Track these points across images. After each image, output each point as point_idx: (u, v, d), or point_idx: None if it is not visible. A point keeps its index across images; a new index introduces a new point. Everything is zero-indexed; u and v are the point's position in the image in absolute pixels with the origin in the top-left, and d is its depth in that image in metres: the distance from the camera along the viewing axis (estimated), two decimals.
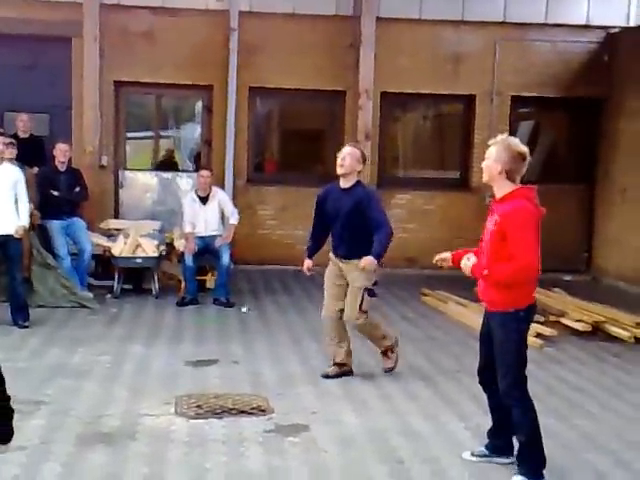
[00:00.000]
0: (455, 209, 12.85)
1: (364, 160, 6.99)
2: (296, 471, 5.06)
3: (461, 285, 11.00)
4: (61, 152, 9.98)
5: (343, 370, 7.09)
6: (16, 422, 5.54)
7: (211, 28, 12.36)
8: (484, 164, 4.85)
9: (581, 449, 5.67)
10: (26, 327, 8.32)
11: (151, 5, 12.30)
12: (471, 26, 12.84)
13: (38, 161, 10.48)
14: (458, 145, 13.46)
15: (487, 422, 6.15)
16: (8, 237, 8.29)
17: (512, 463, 5.08)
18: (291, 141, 13.58)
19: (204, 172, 10.21)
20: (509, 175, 4.72)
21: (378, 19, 12.51)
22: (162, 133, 13.86)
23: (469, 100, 13.11)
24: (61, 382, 6.64)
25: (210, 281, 10.33)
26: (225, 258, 9.78)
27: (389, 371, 7.22)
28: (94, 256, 10.22)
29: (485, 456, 5.25)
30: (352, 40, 12.54)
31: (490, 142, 4.84)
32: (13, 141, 9.44)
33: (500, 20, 12.83)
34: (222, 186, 11.94)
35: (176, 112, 14.46)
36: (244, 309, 9.60)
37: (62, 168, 10.03)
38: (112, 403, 6.17)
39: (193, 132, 13.77)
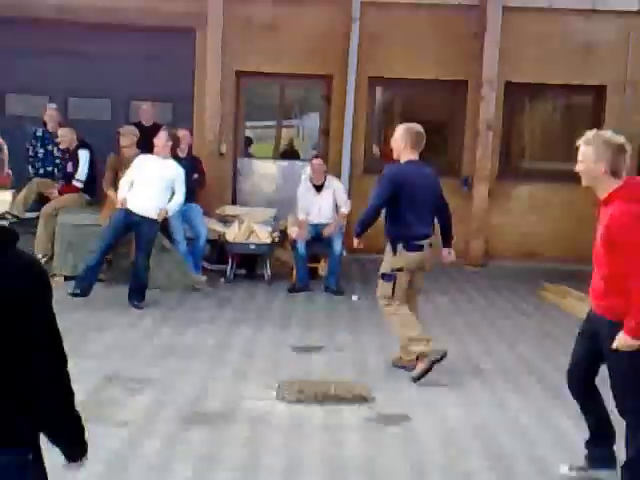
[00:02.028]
0: (580, 201, 12.35)
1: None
2: (394, 463, 4.98)
3: (583, 279, 10.66)
4: (181, 138, 10.15)
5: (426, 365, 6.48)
6: (122, 398, 5.80)
7: (333, 18, 12.31)
8: (580, 168, 4.47)
9: None
10: (140, 308, 8.53)
11: None
12: (603, 15, 12.32)
13: None
14: None
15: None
16: (144, 219, 8.56)
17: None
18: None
19: (316, 160, 10.23)
20: (614, 173, 4.35)
21: (504, 8, 12.17)
22: (285, 122, 13.95)
23: (599, 91, 12.60)
24: (169, 362, 6.77)
25: (322, 269, 10.32)
26: (337, 246, 9.75)
27: (413, 380, 6.49)
28: (209, 241, 10.36)
29: (583, 469, 4.83)
30: (476, 29, 12.26)
31: (581, 141, 4.45)
32: (126, 131, 9.89)
33: (635, 9, 12.25)
34: (338, 175, 11.95)
35: (299, 102, 14.54)
36: (354, 297, 9.53)
37: (182, 154, 10.20)
38: (216, 384, 6.25)
39: (316, 122, 13.78)
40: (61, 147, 10.26)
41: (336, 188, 10.13)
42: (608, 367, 4.54)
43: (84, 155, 10.10)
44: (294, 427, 5.45)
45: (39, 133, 10.54)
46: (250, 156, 13.42)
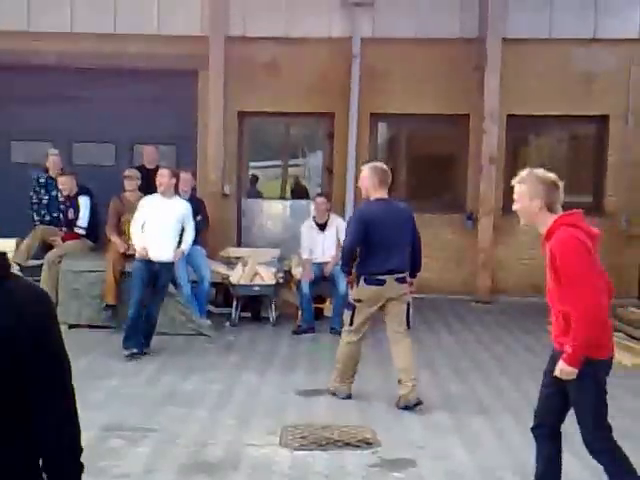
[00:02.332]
0: None
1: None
2: None
3: None
4: (184, 181, 10.17)
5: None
6: (122, 449, 5.73)
7: (333, 55, 12.41)
8: (517, 207, 4.52)
9: None
10: (141, 355, 8.48)
11: (275, 36, 12.43)
12: (604, 44, 12.36)
13: None
14: (591, 168, 12.94)
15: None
16: (163, 265, 8.55)
17: None
18: (413, 166, 13.37)
19: (319, 199, 10.23)
20: (550, 207, 4.41)
21: (504, 40, 12.23)
22: (291, 162, 13.99)
23: (602, 121, 12.60)
24: (172, 409, 6.70)
25: (328, 309, 10.27)
26: (342, 286, 9.66)
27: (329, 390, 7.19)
28: (214, 284, 10.35)
29: None
30: (476, 62, 12.30)
31: (515, 181, 4.52)
32: (132, 174, 9.85)
33: (635, 37, 12.30)
34: (343, 213, 11.97)
35: (303, 141, 14.58)
36: None
37: (185, 197, 10.20)
38: (218, 432, 6.18)
39: (320, 160, 13.81)
40: (62, 195, 10.29)
41: (338, 225, 10.09)
42: (573, 403, 4.51)
43: (85, 201, 10.14)
44: (297, 475, 5.36)
45: (42, 180, 10.59)
46: (255, 196, 13.44)
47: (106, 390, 7.21)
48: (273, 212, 13.13)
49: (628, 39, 12.27)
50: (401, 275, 6.90)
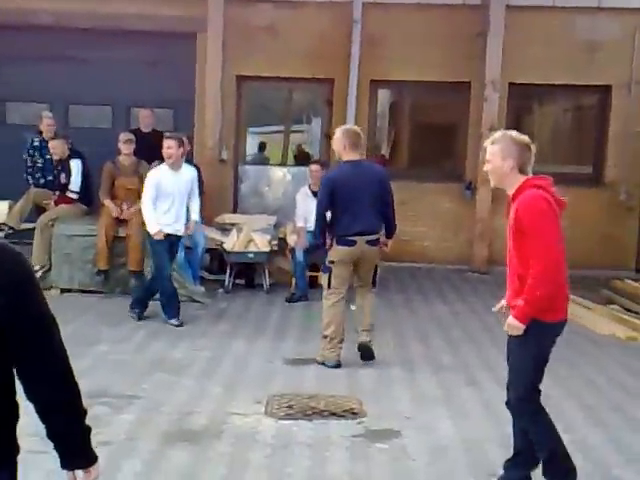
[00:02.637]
0: (587, 206, 12.23)
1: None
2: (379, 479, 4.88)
3: (589, 286, 10.55)
4: None
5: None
6: (106, 416, 5.72)
7: (333, 20, 12.23)
8: (488, 167, 4.50)
9: None
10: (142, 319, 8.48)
11: None
12: (608, 13, 12.17)
13: (159, 155, 10.63)
14: (592, 139, 12.82)
15: (595, 434, 5.82)
16: (178, 237, 8.51)
17: None
18: (413, 134, 13.27)
19: (314, 166, 10.07)
20: (522, 169, 4.41)
21: (508, 7, 12.04)
22: (293, 128, 13.87)
23: (605, 91, 12.44)
24: (159, 377, 6.68)
25: (321, 277, 10.20)
26: None
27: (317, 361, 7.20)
28: (209, 250, 10.31)
29: None
30: (480, 29, 12.13)
31: (487, 142, 4.51)
32: (131, 137, 9.69)
33: None
34: None
35: (303, 106, 14.44)
36: (352, 307, 9.39)
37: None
38: (204, 400, 6.15)
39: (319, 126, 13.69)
40: (54, 159, 10.21)
41: None
42: (510, 362, 4.65)
43: (76, 165, 10.05)
44: (280, 444, 5.34)
45: (36, 142, 10.52)
46: (262, 163, 13.31)
47: (94, 356, 7.18)
48: (272, 178, 13.03)
49: (633, 8, 12.06)
50: (372, 237, 7.07)
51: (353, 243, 6.97)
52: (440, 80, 12.35)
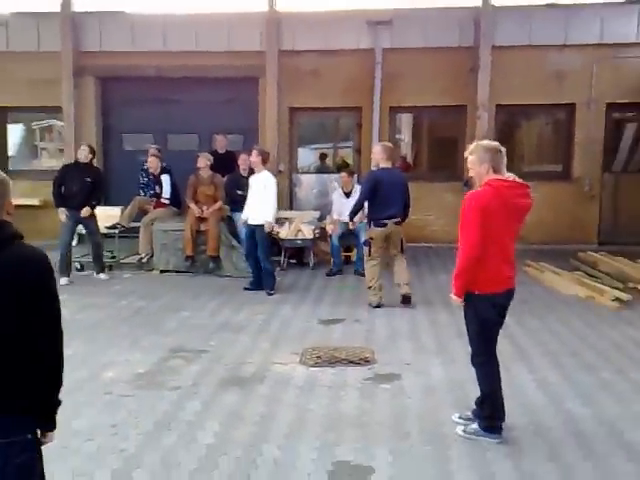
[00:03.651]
0: (559, 195, 11.78)
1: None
2: (380, 413, 4.69)
3: (560, 257, 10.16)
4: (243, 161, 9.98)
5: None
6: (180, 367, 5.63)
7: (361, 63, 11.95)
8: (472, 174, 4.19)
9: (632, 400, 4.90)
10: (272, 294, 8.23)
11: (317, 49, 12.04)
12: (572, 48, 11.65)
13: (231, 170, 10.55)
14: (562, 145, 12.30)
15: (554, 375, 5.53)
16: (257, 226, 8.15)
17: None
18: (424, 146, 12.91)
19: (343, 174, 9.96)
20: (495, 169, 4.08)
21: (493, 47, 11.62)
22: (340, 144, 13.48)
23: (571, 108, 11.92)
24: (223, 335, 6.57)
25: (353, 256, 10.01)
26: (362, 238, 9.34)
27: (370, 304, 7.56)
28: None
29: (469, 419, 4.44)
30: (472, 65, 11.73)
31: (466, 153, 4.18)
32: (203, 157, 9.70)
33: (597, 42, 11.56)
34: None
35: (343, 128, 14.11)
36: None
37: (244, 173, 10.02)
38: (254, 353, 6.02)
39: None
40: (150, 172, 10.15)
41: (359, 191, 9.77)
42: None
43: (166, 179, 10.00)
44: (307, 386, 5.19)
45: (145, 167, 10.39)
46: (325, 171, 12.81)
47: (178, 320, 7.13)
48: (318, 183, 12.80)
49: (591, 44, 11.55)
50: (397, 219, 7.49)
51: (385, 225, 7.40)
52: (443, 105, 12.02)
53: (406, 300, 7.60)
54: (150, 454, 4.00)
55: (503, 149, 4.16)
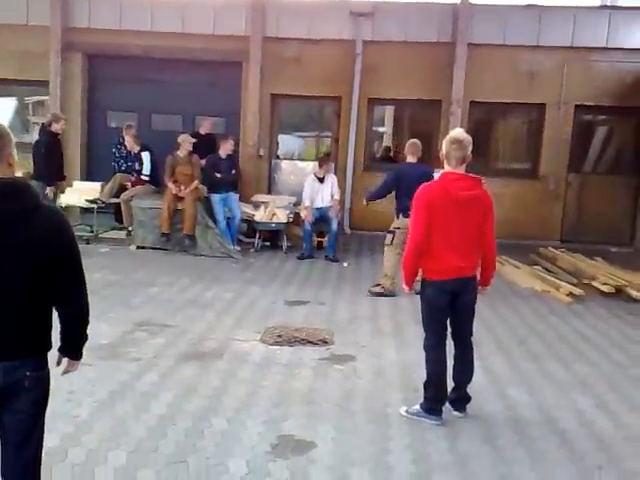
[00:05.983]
0: (526, 193, 11.86)
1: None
2: (330, 392, 4.73)
3: (522, 252, 10.24)
4: (230, 145, 9.87)
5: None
6: (143, 340, 5.63)
7: (342, 54, 11.88)
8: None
9: (570, 389, 5.00)
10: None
11: (300, 37, 11.95)
12: (543, 50, 11.66)
13: (212, 152, 10.48)
14: (531, 143, 12.35)
15: (501, 362, 5.61)
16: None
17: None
18: (397, 139, 12.88)
19: (321, 158, 10.02)
20: (447, 159, 4.10)
21: (469, 45, 11.62)
22: (323, 134, 13.40)
23: (541, 108, 11.95)
24: (190, 311, 6.57)
25: (325, 242, 10.03)
26: (333, 225, 9.46)
27: (370, 293, 7.57)
28: (244, 220, 10.15)
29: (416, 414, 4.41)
30: (448, 61, 11.72)
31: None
32: (183, 139, 9.63)
33: (568, 45, 11.58)
34: (345, 173, 11.73)
35: (322, 117, 14.04)
36: (345, 264, 9.25)
37: (223, 156, 9.98)
38: (217, 329, 6.04)
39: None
40: (127, 149, 10.08)
41: (332, 180, 9.79)
42: None
43: (146, 156, 9.92)
44: (264, 363, 5.22)
45: (121, 141, 10.32)
46: (287, 158, 13.02)
47: (148, 295, 7.11)
48: (297, 169, 12.77)
49: (562, 46, 11.57)
50: None
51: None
52: (419, 98, 11.99)
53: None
54: (102, 421, 4.02)
55: (463, 141, 4.07)
